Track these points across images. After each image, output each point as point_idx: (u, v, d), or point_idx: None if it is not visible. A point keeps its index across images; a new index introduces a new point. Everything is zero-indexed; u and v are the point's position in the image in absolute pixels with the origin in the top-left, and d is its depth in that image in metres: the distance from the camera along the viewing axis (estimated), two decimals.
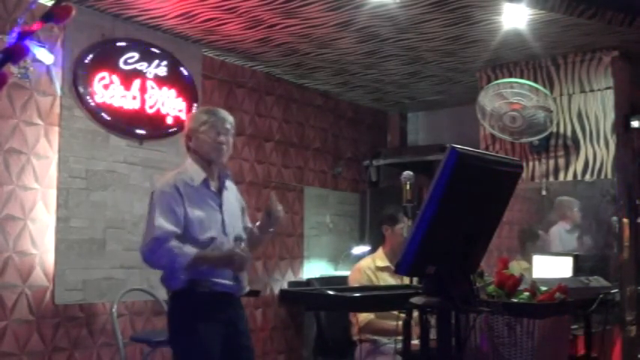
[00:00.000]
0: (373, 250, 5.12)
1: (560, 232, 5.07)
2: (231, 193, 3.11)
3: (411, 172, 3.02)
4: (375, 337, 3.83)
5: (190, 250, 2.82)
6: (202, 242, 2.87)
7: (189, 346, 2.85)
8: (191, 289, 2.85)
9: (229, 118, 3.05)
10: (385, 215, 3.97)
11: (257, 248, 3.44)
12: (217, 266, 2.87)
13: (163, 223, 2.81)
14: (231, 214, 3.02)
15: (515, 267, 4.58)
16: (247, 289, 3.09)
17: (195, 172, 2.96)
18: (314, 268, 5.97)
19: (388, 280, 3.77)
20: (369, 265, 3.94)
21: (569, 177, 5.12)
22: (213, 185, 3.00)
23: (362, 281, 3.84)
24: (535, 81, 5.15)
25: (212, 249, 2.90)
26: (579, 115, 5.11)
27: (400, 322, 3.43)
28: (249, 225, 3.22)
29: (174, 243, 2.80)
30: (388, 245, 3.96)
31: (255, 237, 3.21)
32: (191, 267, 2.81)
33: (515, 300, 2.38)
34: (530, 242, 5.14)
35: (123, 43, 4.50)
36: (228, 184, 3.08)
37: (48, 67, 4.08)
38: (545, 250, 4.98)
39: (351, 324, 3.91)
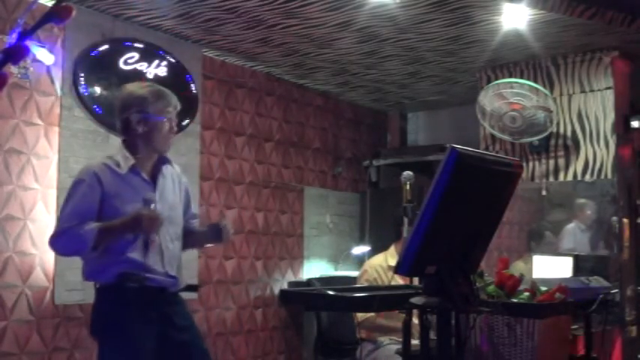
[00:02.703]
0: (374, 250, 5.12)
1: (574, 230, 5.08)
2: (169, 180, 2.87)
3: (411, 172, 3.03)
4: (376, 338, 3.83)
5: (92, 225, 2.60)
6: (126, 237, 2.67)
7: (117, 347, 2.65)
8: (121, 283, 2.65)
9: (179, 105, 2.88)
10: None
11: (191, 247, 3.15)
12: (125, 231, 2.63)
13: (71, 217, 2.64)
14: (167, 205, 2.80)
15: (522, 266, 4.60)
16: (184, 284, 2.91)
17: (123, 157, 2.74)
18: (314, 268, 5.97)
19: (398, 280, 3.74)
20: (381, 263, 3.91)
21: (569, 177, 5.12)
22: (145, 172, 2.79)
23: (370, 279, 3.83)
24: (535, 81, 5.15)
25: (141, 244, 2.70)
26: (579, 115, 5.11)
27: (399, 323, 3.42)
28: (195, 212, 3.05)
29: (75, 228, 2.61)
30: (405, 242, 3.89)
31: (194, 236, 2.99)
32: (100, 243, 2.61)
33: (515, 300, 2.39)
34: (536, 242, 5.15)
35: (123, 43, 4.50)
36: (166, 169, 2.86)
37: (48, 68, 4.08)
38: (553, 250, 4.99)
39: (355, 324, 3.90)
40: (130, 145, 2.79)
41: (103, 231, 2.62)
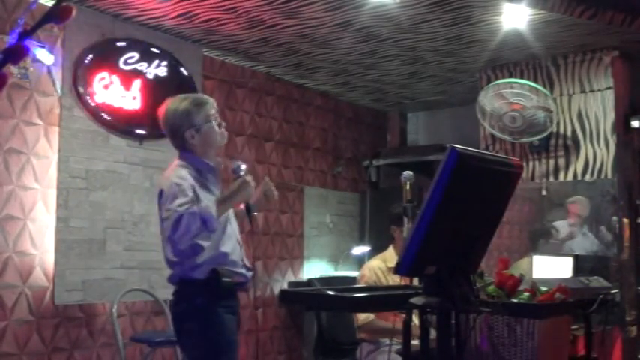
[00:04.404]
0: (374, 250, 5.11)
1: (562, 225, 5.08)
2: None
3: (411, 172, 3.02)
4: (377, 338, 3.82)
5: (209, 202, 2.68)
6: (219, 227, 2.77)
7: (215, 338, 2.75)
8: (215, 279, 2.75)
9: (214, 101, 2.99)
10: (393, 214, 3.87)
11: None
12: (237, 198, 2.77)
13: (181, 205, 2.62)
14: None
15: (526, 264, 4.59)
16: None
17: (200, 164, 2.86)
18: (314, 268, 5.97)
19: (398, 282, 3.72)
20: (380, 265, 3.89)
21: (569, 177, 5.12)
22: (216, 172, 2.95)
23: (370, 281, 3.81)
24: (535, 81, 5.15)
25: (228, 237, 2.83)
26: (579, 115, 5.11)
27: (397, 323, 3.40)
28: None
29: (191, 208, 2.61)
30: (398, 245, 3.88)
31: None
32: (218, 216, 2.67)
33: (515, 300, 2.38)
34: (543, 239, 5.15)
35: (123, 43, 4.50)
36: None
37: (48, 68, 4.08)
38: (558, 249, 5.00)
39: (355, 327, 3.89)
40: (199, 154, 2.88)
41: (219, 203, 2.71)
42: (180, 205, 2.64)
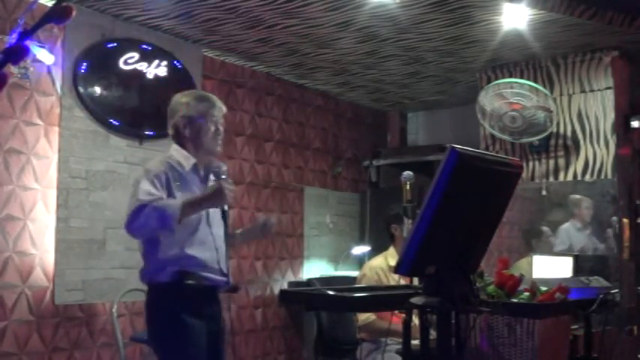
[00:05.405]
0: (374, 250, 5.11)
1: (568, 229, 5.07)
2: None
3: (411, 172, 3.02)
4: (377, 338, 3.82)
5: (176, 200, 2.66)
6: (185, 228, 2.74)
7: (178, 340, 2.73)
8: (180, 281, 2.74)
9: (224, 108, 2.98)
10: (391, 214, 3.89)
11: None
12: (206, 204, 2.72)
13: (149, 193, 2.65)
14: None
15: (525, 265, 4.59)
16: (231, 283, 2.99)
17: (184, 157, 2.85)
18: (314, 268, 5.97)
19: (400, 281, 3.72)
20: (381, 265, 3.88)
21: (569, 177, 5.12)
22: (201, 171, 2.91)
23: (371, 281, 3.80)
24: (535, 81, 5.15)
25: (199, 240, 2.78)
26: (579, 115, 5.11)
27: (391, 325, 3.41)
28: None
29: (157, 201, 2.63)
30: (399, 244, 3.88)
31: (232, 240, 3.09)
32: (182, 218, 2.64)
33: (515, 300, 2.38)
34: (536, 239, 5.15)
35: (123, 43, 4.50)
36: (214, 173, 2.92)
37: (48, 68, 4.08)
38: (551, 248, 4.99)
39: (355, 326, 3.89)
40: (186, 146, 2.89)
41: (187, 205, 2.65)
42: (149, 194, 2.64)
